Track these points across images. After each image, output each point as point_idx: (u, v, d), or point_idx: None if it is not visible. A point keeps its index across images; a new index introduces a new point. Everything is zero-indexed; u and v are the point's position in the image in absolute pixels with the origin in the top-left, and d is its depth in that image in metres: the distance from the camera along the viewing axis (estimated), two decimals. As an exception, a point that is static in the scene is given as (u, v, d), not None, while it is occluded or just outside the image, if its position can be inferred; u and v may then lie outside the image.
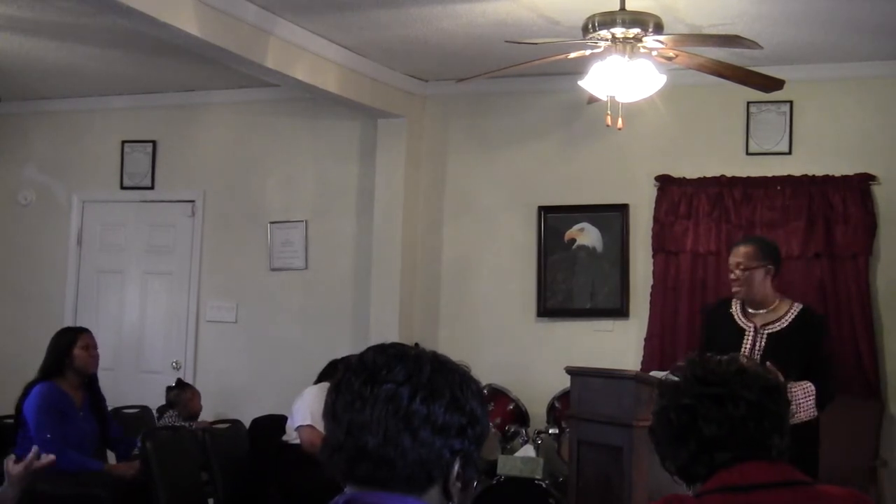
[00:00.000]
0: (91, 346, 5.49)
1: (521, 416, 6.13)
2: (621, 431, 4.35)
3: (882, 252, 5.95)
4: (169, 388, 6.23)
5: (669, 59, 4.51)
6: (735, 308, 4.73)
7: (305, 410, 5.70)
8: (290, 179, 7.24)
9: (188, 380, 7.17)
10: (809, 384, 4.40)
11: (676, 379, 2.19)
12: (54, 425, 5.21)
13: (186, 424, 5.94)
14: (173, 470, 5.23)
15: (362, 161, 7.05)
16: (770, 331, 4.60)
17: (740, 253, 4.72)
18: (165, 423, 5.83)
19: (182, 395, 6.01)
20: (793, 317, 4.61)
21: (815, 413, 4.45)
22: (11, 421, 5.45)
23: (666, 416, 2.13)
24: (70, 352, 5.40)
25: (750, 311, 4.69)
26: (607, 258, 6.48)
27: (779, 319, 4.62)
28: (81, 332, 5.58)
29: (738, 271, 4.67)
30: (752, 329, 4.64)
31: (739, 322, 4.69)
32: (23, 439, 5.26)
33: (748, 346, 4.60)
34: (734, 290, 4.73)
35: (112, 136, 7.69)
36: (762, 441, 2.07)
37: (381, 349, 1.60)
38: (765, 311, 4.65)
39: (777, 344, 4.54)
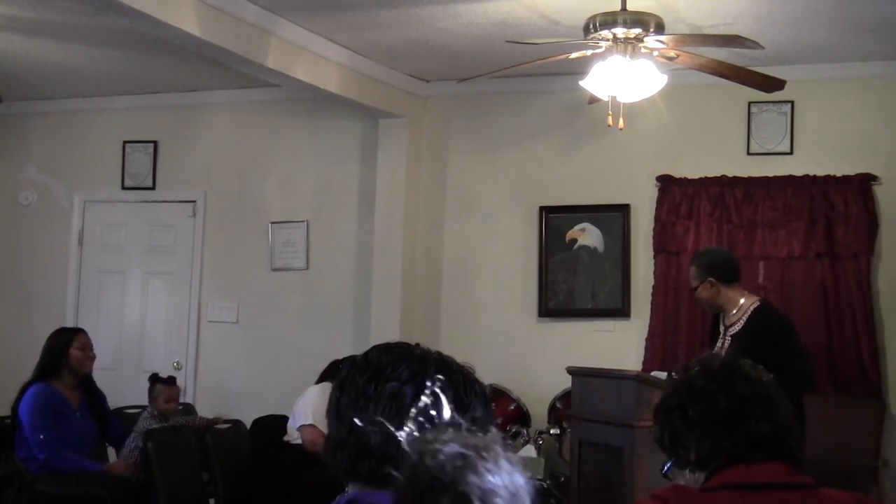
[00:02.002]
0: (87, 347, 5.49)
1: (522, 417, 6.13)
2: (622, 432, 4.36)
3: (883, 252, 5.95)
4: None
5: (670, 59, 4.51)
6: (721, 313, 5.06)
7: (307, 410, 5.70)
8: (291, 179, 7.24)
9: (189, 380, 7.16)
10: None
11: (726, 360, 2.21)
12: (48, 426, 5.21)
13: (185, 421, 5.89)
14: (174, 470, 5.23)
15: (363, 161, 7.05)
16: (731, 332, 4.90)
17: (689, 275, 5.11)
18: (143, 425, 5.68)
19: (151, 391, 5.90)
20: (748, 316, 4.89)
21: None
22: (10, 422, 5.45)
23: (713, 400, 2.10)
24: (66, 352, 5.39)
25: (723, 316, 5.01)
26: (608, 258, 6.48)
27: (738, 320, 4.91)
28: (77, 332, 5.58)
29: (694, 293, 5.08)
30: (723, 332, 4.97)
31: (721, 326, 5.03)
32: (20, 440, 5.26)
33: (717, 348, 4.92)
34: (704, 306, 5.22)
35: (113, 137, 7.69)
36: (794, 448, 2.09)
37: (386, 348, 1.60)
38: (730, 314, 4.96)
39: (735, 345, 4.80)
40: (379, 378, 1.55)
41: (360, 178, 7.07)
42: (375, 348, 1.61)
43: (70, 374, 5.41)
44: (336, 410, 1.58)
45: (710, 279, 4.91)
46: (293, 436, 5.79)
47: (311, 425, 5.66)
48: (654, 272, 6.30)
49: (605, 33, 4.33)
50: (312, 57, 5.90)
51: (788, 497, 2.03)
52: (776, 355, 4.62)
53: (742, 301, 4.92)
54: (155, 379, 5.91)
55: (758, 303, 4.95)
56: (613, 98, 4.53)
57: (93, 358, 5.53)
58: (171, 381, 6.00)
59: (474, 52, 5.87)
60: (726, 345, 4.87)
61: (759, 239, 6.04)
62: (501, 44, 5.18)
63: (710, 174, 6.22)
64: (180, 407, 6.25)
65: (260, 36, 5.45)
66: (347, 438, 1.55)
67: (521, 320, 6.68)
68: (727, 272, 4.97)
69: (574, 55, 4.60)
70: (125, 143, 7.65)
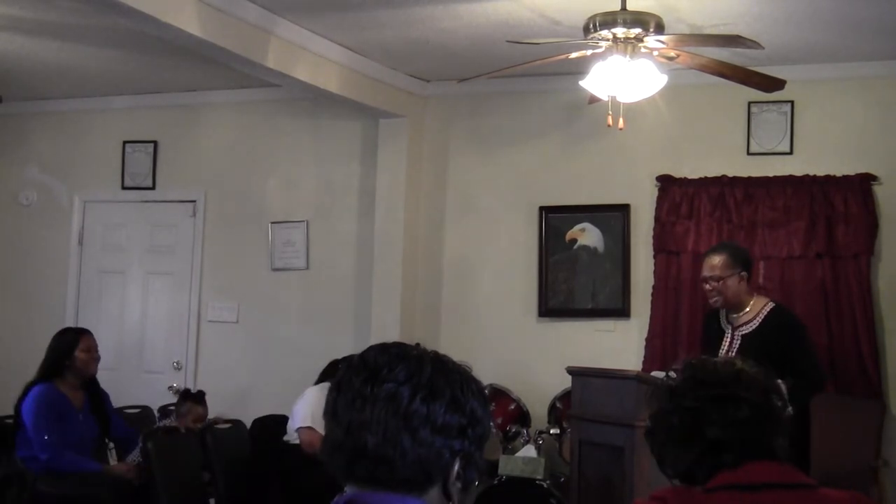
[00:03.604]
0: (92, 349, 5.49)
1: (522, 416, 6.13)
2: (623, 432, 4.36)
3: (883, 252, 5.94)
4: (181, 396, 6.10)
5: (670, 58, 4.51)
6: (722, 311, 4.91)
7: (306, 411, 5.70)
8: (292, 179, 7.24)
9: (189, 380, 7.16)
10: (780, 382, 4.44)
11: (672, 382, 2.19)
12: (51, 426, 5.20)
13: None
14: (174, 470, 5.23)
15: (363, 161, 7.05)
16: (743, 332, 4.77)
17: (712, 264, 4.84)
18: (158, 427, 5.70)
19: (180, 407, 5.90)
20: (763, 317, 4.77)
21: (790, 411, 4.47)
22: (11, 421, 5.44)
23: (668, 420, 2.12)
24: (71, 354, 5.39)
25: (731, 314, 4.85)
26: (608, 258, 6.48)
27: (751, 320, 4.78)
28: (83, 333, 5.56)
29: (712, 283, 4.81)
30: (729, 331, 4.82)
31: (722, 325, 4.88)
32: (22, 440, 5.26)
33: (725, 347, 4.77)
34: (712, 301, 4.89)
35: (113, 137, 7.69)
36: (766, 443, 2.07)
37: (382, 348, 1.60)
38: (741, 313, 4.80)
39: (748, 344, 4.69)
40: (376, 379, 1.54)
41: (360, 178, 7.07)
42: (372, 349, 1.61)
43: (73, 375, 5.40)
44: (333, 411, 1.58)
45: (743, 272, 4.78)
46: (293, 436, 5.78)
47: (308, 427, 5.65)
48: (654, 272, 6.30)
49: (605, 33, 4.32)
50: (312, 57, 5.90)
51: (787, 497, 2.03)
52: (798, 357, 4.59)
53: (753, 301, 4.81)
54: (186, 395, 5.90)
55: (772, 304, 4.83)
56: (613, 98, 4.53)
57: (97, 359, 5.53)
58: (202, 398, 5.98)
59: (474, 52, 5.87)
60: (735, 344, 4.74)
61: (759, 239, 6.04)
62: (501, 44, 5.18)
63: (710, 174, 6.22)
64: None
65: (260, 36, 5.45)
66: (345, 440, 1.55)
67: (521, 320, 6.68)
68: (752, 269, 4.90)
69: (574, 55, 4.60)
70: (125, 143, 7.66)
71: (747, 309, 4.79)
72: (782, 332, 4.68)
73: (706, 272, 4.84)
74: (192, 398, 5.91)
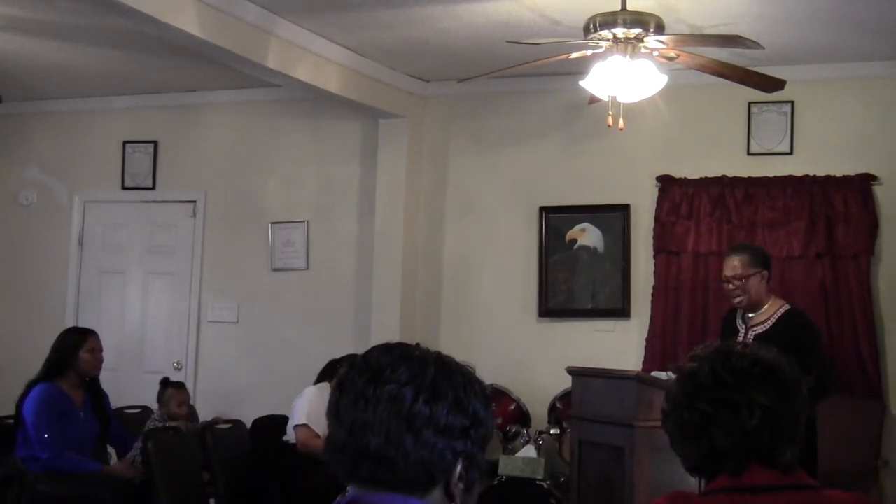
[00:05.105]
0: (97, 350, 5.48)
1: (522, 417, 6.13)
2: (623, 432, 4.36)
3: (883, 252, 5.95)
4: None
5: (671, 59, 4.51)
6: (739, 310, 4.92)
7: (302, 410, 5.70)
8: (292, 180, 7.24)
9: (189, 380, 7.15)
10: None
11: (695, 366, 2.14)
12: (53, 425, 5.20)
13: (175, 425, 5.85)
14: (174, 470, 5.23)
15: (363, 161, 7.05)
16: (756, 332, 4.77)
17: (733, 264, 4.83)
18: (150, 425, 5.68)
19: (162, 395, 5.90)
20: (777, 318, 4.77)
21: None
22: (12, 421, 5.44)
23: (679, 413, 2.10)
24: (76, 354, 5.39)
25: (746, 314, 4.86)
26: (608, 258, 6.48)
27: (765, 321, 4.79)
28: (89, 334, 5.55)
29: (734, 282, 4.80)
30: (743, 329, 4.82)
31: (738, 323, 4.88)
32: (23, 439, 5.25)
33: None
34: (735, 301, 4.87)
35: (113, 137, 7.69)
36: (773, 452, 2.05)
37: (385, 349, 1.60)
38: (757, 313, 4.82)
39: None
40: (378, 380, 1.54)
41: (360, 178, 7.07)
42: (375, 349, 1.61)
43: (76, 374, 5.40)
44: (336, 412, 1.58)
45: (765, 271, 4.80)
46: (292, 436, 5.78)
47: (304, 425, 5.64)
48: (654, 272, 6.30)
49: (606, 33, 4.33)
50: (312, 57, 5.90)
51: (789, 498, 2.02)
52: (807, 361, 4.57)
53: (770, 302, 4.83)
54: (166, 383, 5.91)
55: (787, 306, 4.84)
56: (613, 98, 4.53)
57: (101, 361, 5.53)
58: (182, 385, 6.00)
59: (474, 52, 5.87)
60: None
61: (759, 239, 6.03)
62: (501, 44, 5.18)
63: (710, 174, 6.22)
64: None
65: (260, 36, 5.45)
66: (347, 440, 1.55)
67: (521, 320, 6.68)
68: (771, 269, 4.90)
69: (574, 55, 4.60)
70: (125, 143, 7.66)
71: (763, 308, 4.81)
72: (794, 335, 4.65)
73: (728, 272, 4.85)
74: (171, 385, 5.91)
